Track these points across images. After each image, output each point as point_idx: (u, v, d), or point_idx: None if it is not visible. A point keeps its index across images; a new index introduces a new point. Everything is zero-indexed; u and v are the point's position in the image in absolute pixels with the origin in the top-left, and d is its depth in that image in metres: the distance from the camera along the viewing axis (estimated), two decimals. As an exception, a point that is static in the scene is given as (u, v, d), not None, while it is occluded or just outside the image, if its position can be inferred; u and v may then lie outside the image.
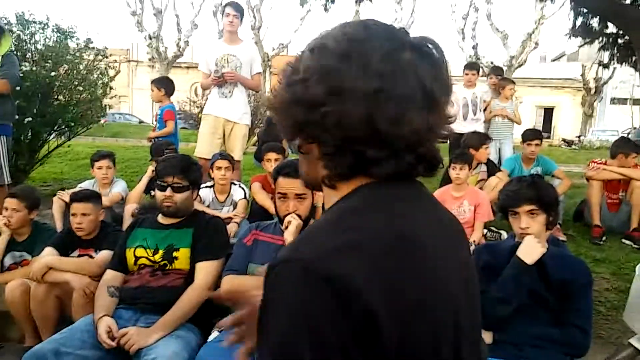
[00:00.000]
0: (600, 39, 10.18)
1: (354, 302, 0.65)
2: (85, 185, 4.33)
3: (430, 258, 0.75)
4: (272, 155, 4.34)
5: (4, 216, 3.31)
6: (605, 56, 11.15)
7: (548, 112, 31.17)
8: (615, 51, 10.18)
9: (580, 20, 10.00)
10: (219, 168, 4.05)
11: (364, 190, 0.78)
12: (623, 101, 30.07)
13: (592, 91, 26.14)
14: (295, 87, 0.76)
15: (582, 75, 25.88)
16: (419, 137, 0.75)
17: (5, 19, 5.18)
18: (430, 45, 0.78)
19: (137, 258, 2.55)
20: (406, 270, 0.70)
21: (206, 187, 4.11)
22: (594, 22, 9.92)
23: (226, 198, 4.16)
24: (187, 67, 28.41)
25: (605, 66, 12.16)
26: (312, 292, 0.65)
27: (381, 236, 0.71)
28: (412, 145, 0.75)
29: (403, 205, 0.78)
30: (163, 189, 2.56)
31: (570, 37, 10.19)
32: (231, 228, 3.73)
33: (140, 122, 25.37)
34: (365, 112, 0.72)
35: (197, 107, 15.30)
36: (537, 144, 4.90)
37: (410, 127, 0.74)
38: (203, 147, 4.86)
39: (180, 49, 23.23)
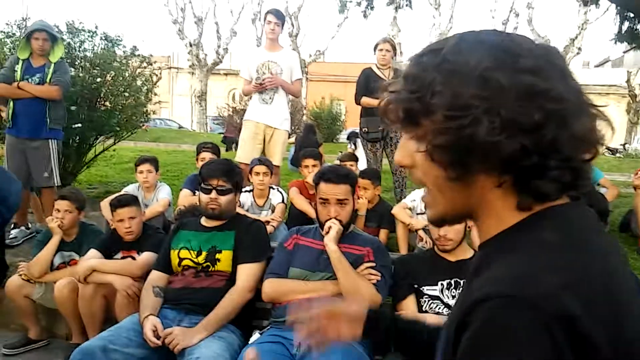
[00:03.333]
0: (647, 44, 9.83)
1: (587, 346, 0.61)
2: (130, 189, 4.45)
3: (630, 290, 0.72)
4: (309, 162, 4.38)
5: (57, 218, 3.43)
6: (653, 62, 10.78)
7: (591, 120, 30.24)
8: (663, 57, 9.82)
9: (626, 24, 9.70)
10: (257, 173, 4.11)
11: (549, 217, 0.73)
12: (671, 108, 28.90)
13: (638, 98, 25.27)
14: (496, 115, 0.67)
15: (627, 81, 25.06)
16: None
17: (57, 27, 5.39)
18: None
19: (181, 259, 2.61)
20: (620, 309, 0.67)
21: (246, 191, 4.17)
22: (641, 27, 9.60)
23: (265, 202, 4.21)
24: (226, 74, 28.92)
25: (653, 72, 11.71)
26: (542, 333, 0.60)
27: (594, 275, 0.67)
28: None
29: (591, 233, 0.75)
30: (208, 191, 2.62)
31: (615, 42, 9.89)
32: (268, 231, 3.77)
33: (180, 127, 25.94)
34: (583, 126, 0.70)
35: (235, 112, 15.51)
36: None
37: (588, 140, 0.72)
38: (244, 152, 4.92)
39: (220, 56, 23.68)
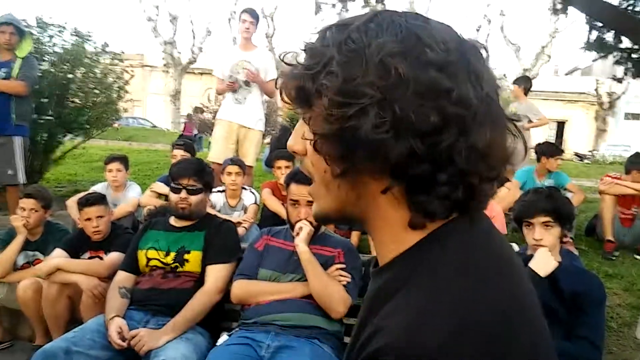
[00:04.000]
0: (615, 53, 10.11)
1: None
2: (98, 188, 4.36)
3: (537, 317, 0.66)
4: (282, 163, 4.36)
5: (22, 217, 3.34)
6: (620, 70, 11.08)
7: (560, 126, 31.01)
8: (630, 66, 10.12)
9: (594, 34, 9.95)
10: (230, 173, 4.08)
11: (444, 239, 0.64)
12: (637, 116, 29.83)
13: (606, 106, 26.00)
14: (388, 109, 0.59)
15: (596, 89, 25.76)
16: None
17: (25, 22, 5.26)
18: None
19: (148, 259, 2.57)
20: (523, 339, 0.61)
21: (218, 191, 4.13)
22: (609, 37, 9.87)
23: (237, 203, 4.18)
24: (201, 73, 28.66)
25: (619, 81, 12.07)
26: None
27: (498, 310, 0.60)
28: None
29: (491, 253, 0.67)
30: (178, 191, 2.58)
31: (584, 50, 10.14)
32: (239, 232, 3.74)
33: (154, 126, 25.60)
34: (487, 138, 0.61)
35: (210, 112, 15.41)
36: (559, 159, 4.97)
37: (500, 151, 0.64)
38: (216, 152, 4.88)
39: (194, 55, 23.46)
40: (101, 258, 3.14)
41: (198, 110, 17.92)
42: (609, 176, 4.75)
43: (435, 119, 0.58)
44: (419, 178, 0.61)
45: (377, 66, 0.59)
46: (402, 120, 0.58)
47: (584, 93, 29.22)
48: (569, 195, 4.62)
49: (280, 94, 0.69)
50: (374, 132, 0.59)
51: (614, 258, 4.42)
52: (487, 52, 0.66)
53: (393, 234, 0.67)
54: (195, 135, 17.10)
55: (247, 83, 4.83)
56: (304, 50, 0.67)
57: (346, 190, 0.67)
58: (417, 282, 0.62)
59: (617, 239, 4.57)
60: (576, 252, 4.15)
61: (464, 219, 0.65)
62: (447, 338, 0.55)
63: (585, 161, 19.28)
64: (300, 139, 0.71)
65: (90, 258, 3.16)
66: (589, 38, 10.01)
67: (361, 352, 0.60)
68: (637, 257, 4.48)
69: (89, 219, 3.15)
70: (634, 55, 9.75)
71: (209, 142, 17.50)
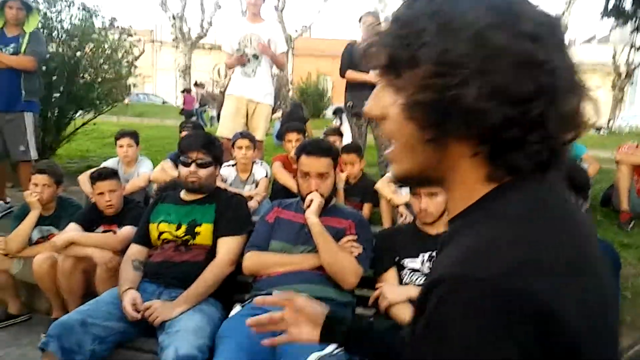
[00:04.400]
0: (633, 20, 9.85)
1: (558, 329, 0.55)
2: (109, 163, 4.38)
3: (601, 271, 0.66)
4: (293, 136, 4.34)
5: (36, 192, 3.36)
6: (638, 39, 10.79)
7: (576, 97, 30.43)
8: (649, 33, 9.85)
9: (612, 1, 9.69)
10: (240, 147, 4.06)
11: (516, 189, 0.67)
12: (655, 86, 29.19)
13: (623, 75, 25.44)
14: (486, 78, 0.61)
15: (613, 58, 25.18)
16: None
17: (33, -3, 5.22)
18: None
19: (160, 233, 2.57)
20: (590, 291, 0.61)
21: (229, 165, 4.12)
22: (627, 4, 9.60)
23: (248, 177, 4.18)
24: (210, 48, 28.45)
25: (638, 49, 11.76)
26: (497, 316, 0.54)
27: (561, 248, 0.61)
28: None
29: (562, 207, 0.69)
30: (187, 164, 2.57)
31: (602, 18, 9.89)
32: (251, 205, 3.75)
33: (164, 102, 25.62)
34: (573, 105, 0.65)
35: (220, 88, 15.34)
36: None
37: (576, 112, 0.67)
38: (226, 126, 4.87)
39: (204, 30, 23.25)
40: (114, 232, 3.17)
41: (198, 85, 17.91)
42: (626, 146, 4.67)
43: (530, 88, 0.61)
44: (508, 142, 0.64)
45: (474, 37, 0.62)
46: (500, 90, 0.61)
47: (600, 63, 28.61)
48: (584, 165, 4.55)
49: (367, 59, 0.71)
50: (475, 101, 0.61)
51: (629, 229, 4.37)
52: (560, 22, 0.69)
53: (467, 190, 0.70)
54: (196, 109, 17.08)
55: (255, 56, 4.77)
56: (394, 19, 0.69)
57: (430, 154, 0.70)
58: (485, 221, 0.65)
59: (633, 210, 4.51)
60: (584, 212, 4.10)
61: (536, 175, 0.68)
62: (511, 267, 0.57)
63: (602, 132, 18.97)
64: (379, 103, 0.74)
65: (103, 232, 3.20)
66: (607, 5, 9.76)
67: (426, 282, 0.63)
68: (653, 227, 4.41)
69: (101, 193, 3.17)
70: (653, 22, 9.50)
71: (211, 117, 17.46)
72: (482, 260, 0.58)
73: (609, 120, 23.45)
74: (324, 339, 1.12)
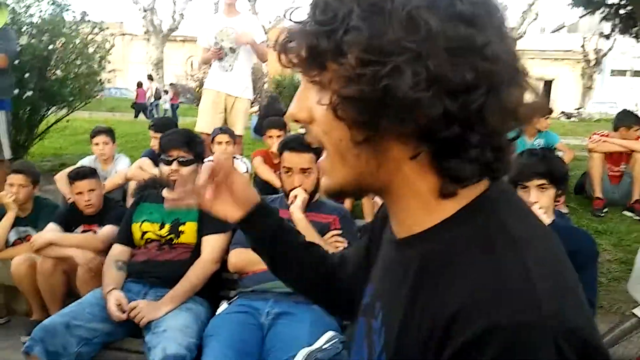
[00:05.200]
0: (602, 9, 10.05)
1: (591, 350, 0.53)
2: (85, 161, 4.29)
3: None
4: (274, 132, 4.32)
5: (12, 193, 3.29)
6: (607, 27, 11.03)
7: (547, 85, 31.03)
8: (617, 21, 10.07)
9: (582, -11, 9.86)
10: (220, 143, 4.03)
11: (498, 200, 0.63)
12: (623, 72, 29.90)
13: (592, 63, 25.98)
14: (420, 67, 0.54)
15: (582, 46, 25.67)
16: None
17: (0, -9, 5.07)
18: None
19: (143, 232, 2.55)
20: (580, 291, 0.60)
21: (208, 161, 4.09)
22: (597, -8, 9.79)
23: (229, 172, 4.15)
24: (183, 41, 28.06)
25: (607, 37, 12.03)
26: (571, 356, 0.51)
27: (569, 275, 0.59)
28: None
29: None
30: (169, 163, 2.55)
31: (572, 7, 10.07)
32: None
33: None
34: (515, 98, 0.58)
35: (195, 80, 15.18)
36: (549, 118, 4.98)
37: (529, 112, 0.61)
38: (204, 122, 4.81)
39: (176, 22, 22.89)
40: (95, 232, 3.12)
41: (150, 77, 18.06)
42: (597, 134, 4.78)
43: (470, 76, 0.55)
44: (449, 140, 0.57)
45: (405, 20, 0.54)
46: (438, 78, 0.54)
47: (570, 50, 29.15)
48: (559, 154, 4.65)
49: (282, 55, 0.62)
50: (411, 91, 0.54)
51: (603, 215, 4.49)
52: (498, 5, 0.61)
53: (422, 203, 0.64)
54: (151, 102, 17.15)
55: (232, 49, 4.72)
56: (313, 4, 0.60)
57: (366, 158, 0.62)
58: (480, 254, 0.57)
59: (606, 196, 4.63)
60: (566, 211, 4.22)
61: (497, 185, 0.63)
62: (552, 303, 0.53)
63: (572, 119, 19.36)
64: (304, 105, 0.65)
65: (83, 232, 3.15)
66: (576, -6, 9.93)
67: (448, 337, 0.54)
68: (626, 213, 4.55)
69: (80, 193, 3.13)
70: (621, 11, 9.71)
71: (165, 110, 17.47)
72: (524, 300, 0.53)
73: (579, 108, 23.94)
74: (243, 226, 0.98)
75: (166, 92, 16.79)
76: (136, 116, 12.85)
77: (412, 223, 0.66)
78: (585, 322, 0.54)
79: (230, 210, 0.96)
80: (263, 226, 0.98)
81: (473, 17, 0.56)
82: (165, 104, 17.47)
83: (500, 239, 0.58)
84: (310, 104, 0.64)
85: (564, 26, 35.64)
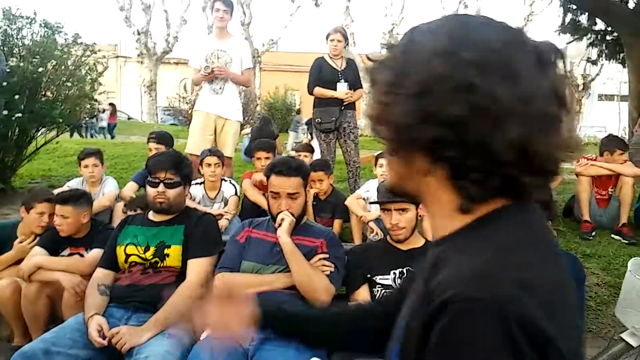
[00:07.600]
0: (589, 35, 10.26)
1: (547, 346, 0.60)
2: (73, 183, 4.25)
3: (572, 288, 0.74)
4: (262, 154, 4.33)
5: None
6: (594, 52, 11.25)
7: (536, 109, 31.29)
8: (604, 47, 10.27)
9: (569, 16, 10.07)
10: (209, 165, 4.03)
11: (501, 219, 0.72)
12: (611, 97, 30.32)
13: (580, 87, 26.36)
14: (421, 100, 0.68)
15: (570, 71, 26.07)
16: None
17: (-9, 14, 5.09)
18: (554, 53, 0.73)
19: (127, 256, 2.52)
20: (566, 309, 0.67)
21: (196, 184, 4.08)
22: (583, 19, 10.00)
23: (217, 195, 4.14)
24: (177, 63, 28.23)
25: (594, 62, 12.26)
26: (506, 336, 0.59)
27: (549, 278, 0.68)
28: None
29: (544, 235, 0.75)
30: (155, 185, 2.53)
31: (559, 33, 10.27)
32: (222, 224, 3.71)
33: (129, 118, 25.17)
34: (521, 133, 0.65)
35: (187, 103, 15.22)
36: None
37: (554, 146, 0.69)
38: (194, 143, 4.82)
39: (169, 45, 23.08)
40: (82, 255, 3.08)
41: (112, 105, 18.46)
42: (585, 158, 4.82)
43: (461, 110, 0.65)
44: (453, 163, 0.69)
45: (420, 64, 0.69)
46: (427, 110, 0.67)
47: (558, 75, 29.51)
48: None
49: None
50: (399, 117, 0.70)
51: (591, 238, 4.50)
52: (561, 55, 0.73)
53: (444, 213, 0.76)
54: (86, 121, 17.19)
55: None
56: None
57: (401, 166, 0.78)
58: (483, 247, 0.69)
59: (594, 220, 4.65)
60: (554, 234, 4.22)
61: (513, 205, 0.73)
62: (515, 291, 0.61)
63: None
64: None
65: (70, 254, 3.10)
66: (564, 21, 10.15)
67: (432, 300, 0.65)
68: (614, 236, 4.56)
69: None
70: (607, 37, 9.91)
71: (100, 127, 17.78)
72: (490, 283, 0.63)
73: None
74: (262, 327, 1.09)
75: (103, 110, 16.95)
76: (71, 135, 12.72)
77: (439, 226, 0.79)
78: (552, 326, 0.61)
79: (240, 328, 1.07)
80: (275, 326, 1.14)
81: (477, 61, 0.66)
82: (101, 121, 17.95)
83: (488, 244, 0.69)
84: None
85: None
